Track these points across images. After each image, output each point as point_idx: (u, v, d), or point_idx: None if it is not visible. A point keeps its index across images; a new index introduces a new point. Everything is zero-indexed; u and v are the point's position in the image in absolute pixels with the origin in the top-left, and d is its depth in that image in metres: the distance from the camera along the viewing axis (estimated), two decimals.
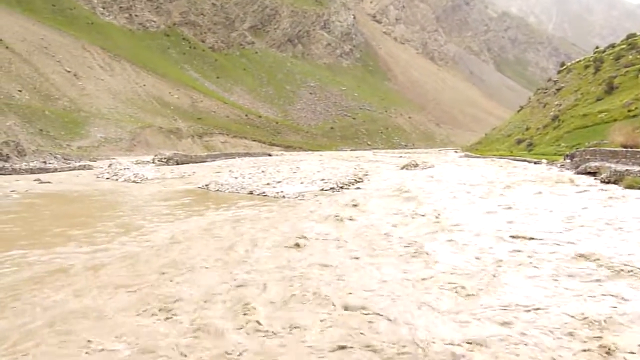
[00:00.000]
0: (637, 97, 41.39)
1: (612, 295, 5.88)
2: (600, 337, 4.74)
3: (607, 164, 21.84)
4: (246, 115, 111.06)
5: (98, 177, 28.26)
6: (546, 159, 37.06)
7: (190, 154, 53.05)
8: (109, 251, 8.82)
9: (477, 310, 5.52)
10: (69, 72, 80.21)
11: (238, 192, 19.47)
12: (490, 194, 17.01)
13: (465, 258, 7.86)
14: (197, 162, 46.65)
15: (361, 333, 5.00)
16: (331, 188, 20.13)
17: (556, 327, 5.02)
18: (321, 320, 5.35)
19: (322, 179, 23.74)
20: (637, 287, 6.16)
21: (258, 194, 18.54)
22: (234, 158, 58.08)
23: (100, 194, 19.69)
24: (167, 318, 5.48)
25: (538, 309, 5.53)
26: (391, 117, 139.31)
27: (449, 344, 4.71)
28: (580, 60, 74.63)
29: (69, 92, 74.47)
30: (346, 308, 5.72)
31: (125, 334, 5.04)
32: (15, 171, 29.72)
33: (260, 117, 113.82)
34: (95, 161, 45.44)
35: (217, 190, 20.54)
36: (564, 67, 77.95)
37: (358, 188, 20.63)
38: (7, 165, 31.02)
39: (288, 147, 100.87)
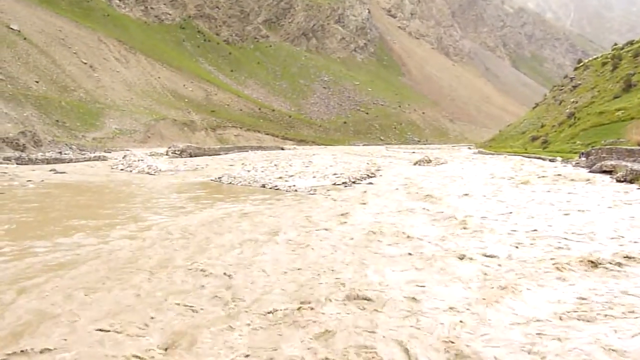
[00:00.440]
0: None
1: None
2: None
3: (624, 163, 21.58)
4: (259, 109, 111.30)
5: (112, 169, 28.55)
6: (561, 156, 36.69)
7: (204, 147, 53.37)
8: (119, 241, 8.94)
9: None
10: (85, 63, 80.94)
11: (250, 185, 19.55)
12: (501, 192, 16.89)
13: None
14: (210, 155, 46.91)
15: None
16: (343, 183, 20.19)
17: None
18: None
19: (335, 174, 23.75)
20: None
21: (270, 188, 18.61)
22: (246, 151, 58.34)
23: (115, 185, 19.89)
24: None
25: None
26: (405, 113, 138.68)
27: None
28: (597, 57, 73.52)
29: (85, 83, 75.19)
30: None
31: None
32: (31, 161, 30.13)
33: (273, 110, 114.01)
34: (109, 152, 45.92)
35: (230, 183, 20.65)
36: (581, 64, 76.87)
37: (370, 183, 20.63)
38: (23, 155, 31.49)
39: (301, 141, 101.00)
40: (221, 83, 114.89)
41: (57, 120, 58.57)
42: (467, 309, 5.47)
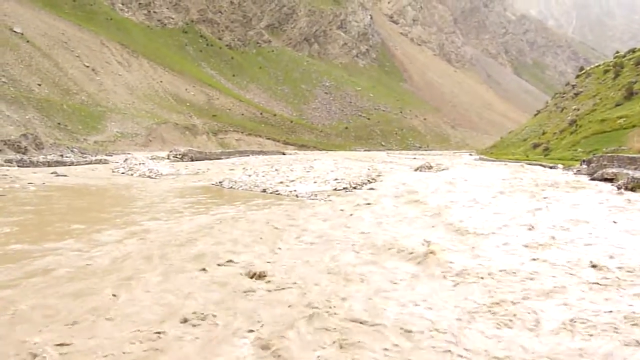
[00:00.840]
0: None
1: None
2: None
3: (625, 171, 21.53)
4: (261, 114, 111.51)
5: (114, 172, 28.55)
6: (562, 164, 36.65)
7: (205, 151, 53.43)
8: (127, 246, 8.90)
9: None
10: (87, 67, 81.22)
11: (251, 190, 19.52)
12: (503, 199, 16.84)
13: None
14: (211, 159, 46.94)
15: None
16: (344, 188, 20.17)
17: None
18: None
19: (335, 179, 23.71)
20: None
21: (271, 192, 18.58)
22: (248, 156, 58.38)
23: (116, 189, 19.87)
24: None
25: None
26: (406, 119, 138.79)
27: None
28: (599, 65, 73.52)
29: (87, 86, 75.41)
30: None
31: None
32: (33, 164, 30.15)
33: (275, 115, 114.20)
34: (111, 155, 45.97)
35: (231, 187, 20.61)
36: (583, 71, 76.89)
37: (371, 189, 20.57)
38: (25, 157, 31.51)
39: (302, 146, 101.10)
40: (223, 87, 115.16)
41: (59, 123, 58.71)
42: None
